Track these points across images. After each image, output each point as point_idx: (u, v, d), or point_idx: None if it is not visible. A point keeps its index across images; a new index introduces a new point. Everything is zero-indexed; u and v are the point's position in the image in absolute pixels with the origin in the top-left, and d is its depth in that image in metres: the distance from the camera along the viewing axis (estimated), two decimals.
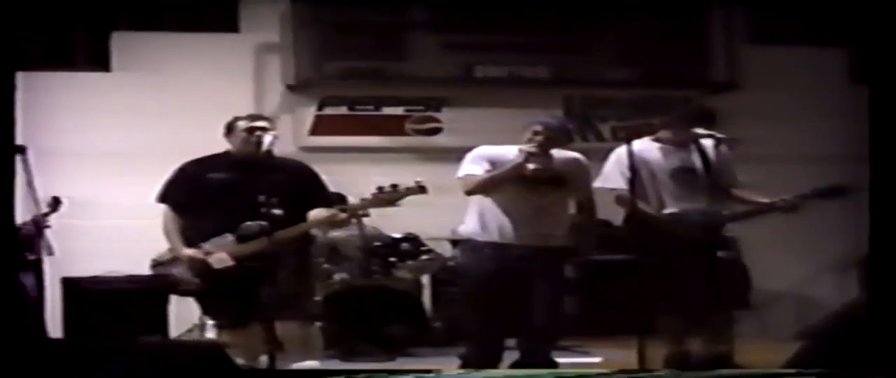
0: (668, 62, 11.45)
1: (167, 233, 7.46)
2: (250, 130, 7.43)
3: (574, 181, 7.61)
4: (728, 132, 7.79)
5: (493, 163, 7.51)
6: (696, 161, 7.76)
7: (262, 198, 6.92)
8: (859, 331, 6.59)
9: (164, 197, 7.52)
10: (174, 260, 7.46)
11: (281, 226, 6.99)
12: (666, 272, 7.57)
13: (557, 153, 7.52)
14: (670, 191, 7.74)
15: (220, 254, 7.23)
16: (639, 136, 7.84)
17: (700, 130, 7.74)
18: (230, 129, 7.61)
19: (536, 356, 7.55)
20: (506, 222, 7.49)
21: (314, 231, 8.21)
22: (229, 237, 7.21)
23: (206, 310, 8.19)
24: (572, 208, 7.71)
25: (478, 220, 7.58)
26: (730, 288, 7.88)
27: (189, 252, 7.34)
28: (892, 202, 6.70)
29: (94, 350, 6.41)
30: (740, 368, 7.35)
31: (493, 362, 7.59)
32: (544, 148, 7.41)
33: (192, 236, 7.40)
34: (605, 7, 11.42)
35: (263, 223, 6.93)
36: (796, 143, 11.05)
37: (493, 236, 7.52)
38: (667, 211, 7.71)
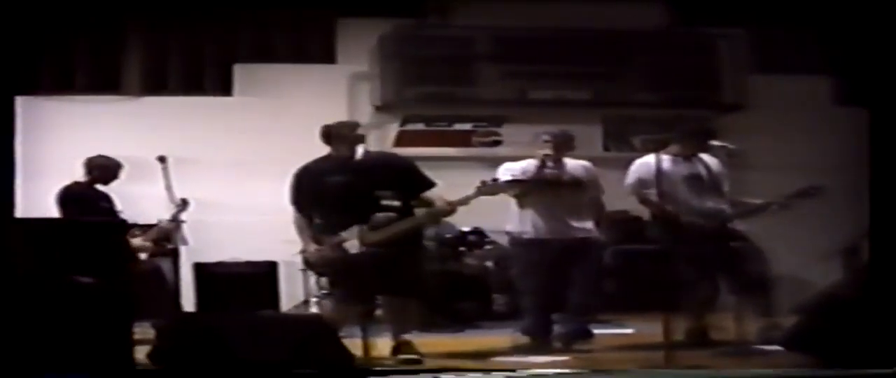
0: (687, 87, 11.44)
1: (299, 230, 7.23)
2: (346, 137, 7.20)
3: (588, 184, 7.76)
4: (734, 145, 7.77)
5: (523, 171, 7.66)
6: (702, 169, 7.78)
7: (381, 193, 6.94)
8: (842, 308, 6.49)
9: (293, 201, 7.26)
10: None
11: (399, 213, 6.98)
12: (689, 259, 7.52)
13: (572, 162, 7.73)
14: (684, 193, 7.66)
15: (353, 241, 6.93)
16: (664, 147, 7.75)
17: (715, 142, 7.73)
18: (328, 135, 7.30)
19: (574, 328, 7.66)
20: (540, 221, 7.64)
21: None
22: (356, 228, 6.92)
23: (335, 286, 7.90)
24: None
25: (519, 220, 7.73)
26: (753, 270, 7.64)
27: (315, 246, 7.11)
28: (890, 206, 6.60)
29: (219, 321, 6.49)
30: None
31: (545, 332, 7.69)
32: (556, 151, 7.60)
33: (324, 229, 7.12)
34: (636, 41, 11.47)
35: (391, 214, 6.93)
36: (789, 153, 10.89)
37: (533, 233, 7.66)
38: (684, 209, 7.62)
